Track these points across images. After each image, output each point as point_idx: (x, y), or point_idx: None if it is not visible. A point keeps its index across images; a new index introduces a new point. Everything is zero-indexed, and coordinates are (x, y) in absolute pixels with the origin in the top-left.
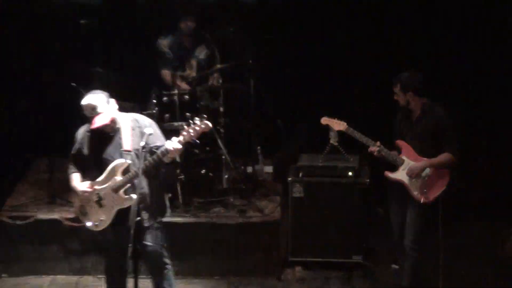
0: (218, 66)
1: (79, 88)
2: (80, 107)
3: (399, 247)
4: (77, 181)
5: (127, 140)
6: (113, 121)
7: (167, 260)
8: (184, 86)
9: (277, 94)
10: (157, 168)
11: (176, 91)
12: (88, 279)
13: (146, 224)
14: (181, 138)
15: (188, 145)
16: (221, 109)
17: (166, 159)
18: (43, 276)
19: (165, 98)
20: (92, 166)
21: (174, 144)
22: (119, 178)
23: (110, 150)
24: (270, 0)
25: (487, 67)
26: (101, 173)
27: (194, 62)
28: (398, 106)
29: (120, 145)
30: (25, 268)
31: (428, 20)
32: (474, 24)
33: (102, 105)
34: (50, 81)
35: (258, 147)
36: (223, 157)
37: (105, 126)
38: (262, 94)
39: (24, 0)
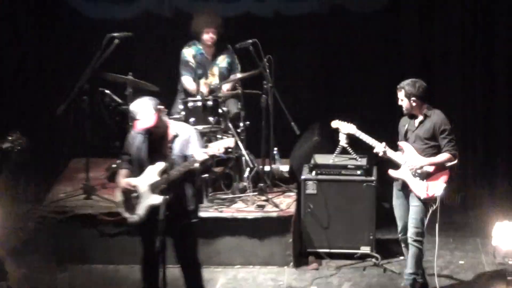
0: (239, 75)
1: (111, 94)
2: (112, 111)
3: (403, 239)
4: (123, 177)
5: (170, 146)
6: (157, 127)
7: (197, 257)
8: (207, 92)
9: (292, 100)
10: (190, 173)
11: (200, 97)
12: (120, 268)
13: (179, 223)
14: (207, 150)
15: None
16: (242, 113)
17: (198, 168)
18: (80, 265)
19: (190, 104)
20: (136, 165)
21: (202, 156)
22: (157, 178)
23: (154, 151)
24: (284, 15)
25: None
26: (142, 172)
27: (216, 70)
28: (401, 110)
29: (163, 149)
30: (64, 258)
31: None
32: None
33: (149, 110)
34: (85, 88)
35: (275, 148)
36: (244, 157)
37: (147, 129)
38: (278, 100)
39: (67, 16)
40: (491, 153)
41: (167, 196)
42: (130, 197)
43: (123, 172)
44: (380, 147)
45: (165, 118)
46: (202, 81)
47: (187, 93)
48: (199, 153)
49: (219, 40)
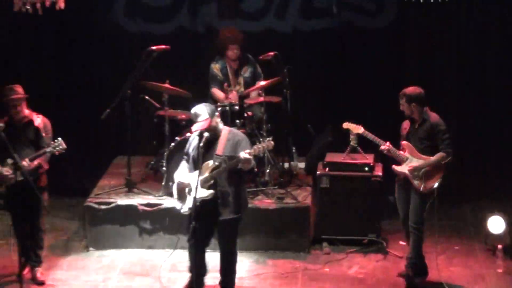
0: (262, 82)
1: (150, 100)
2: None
3: (404, 227)
4: (179, 173)
5: (221, 147)
6: (211, 130)
7: (235, 247)
8: (234, 99)
9: (308, 106)
10: (237, 172)
11: (227, 103)
12: (157, 252)
13: (225, 217)
14: (250, 151)
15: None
16: (264, 117)
17: (243, 167)
18: (121, 249)
19: (219, 109)
20: (192, 163)
21: (245, 155)
22: (206, 175)
23: (208, 151)
24: (301, 31)
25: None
26: (196, 169)
27: (241, 80)
28: (403, 114)
29: (214, 150)
30: (107, 243)
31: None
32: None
33: (204, 115)
34: (128, 95)
35: (293, 147)
36: (266, 155)
37: (202, 131)
38: (296, 105)
39: (112, 31)
40: (484, 151)
41: (213, 191)
42: (184, 191)
43: (182, 168)
44: (385, 146)
45: (219, 123)
46: (229, 88)
47: (216, 102)
48: (242, 154)
49: (242, 53)
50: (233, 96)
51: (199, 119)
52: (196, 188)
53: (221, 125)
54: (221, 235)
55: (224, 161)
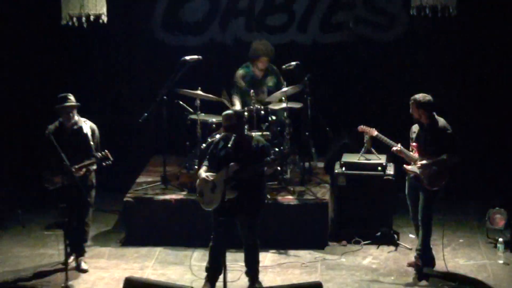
0: (284, 88)
1: (184, 105)
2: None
3: (414, 222)
4: (203, 171)
5: (245, 150)
6: (239, 134)
7: (257, 240)
8: (259, 105)
9: (326, 110)
10: (258, 174)
11: (254, 108)
12: (189, 243)
13: (246, 213)
14: (274, 157)
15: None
16: (287, 121)
17: (268, 172)
18: (157, 240)
19: (246, 114)
20: (216, 165)
21: (269, 159)
22: (231, 175)
23: (233, 153)
24: (321, 43)
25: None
26: (220, 169)
27: (264, 88)
28: (413, 118)
29: (240, 152)
30: (144, 234)
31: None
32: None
33: (233, 118)
34: (164, 100)
35: (313, 148)
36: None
37: (229, 134)
38: (315, 110)
39: (152, 44)
40: (486, 150)
41: (237, 192)
42: (207, 188)
43: (204, 168)
44: (396, 147)
45: (245, 128)
46: (254, 96)
47: (244, 106)
48: (267, 159)
49: (268, 63)
50: (258, 104)
51: (232, 121)
52: (225, 187)
53: (246, 129)
54: (245, 229)
55: (249, 164)
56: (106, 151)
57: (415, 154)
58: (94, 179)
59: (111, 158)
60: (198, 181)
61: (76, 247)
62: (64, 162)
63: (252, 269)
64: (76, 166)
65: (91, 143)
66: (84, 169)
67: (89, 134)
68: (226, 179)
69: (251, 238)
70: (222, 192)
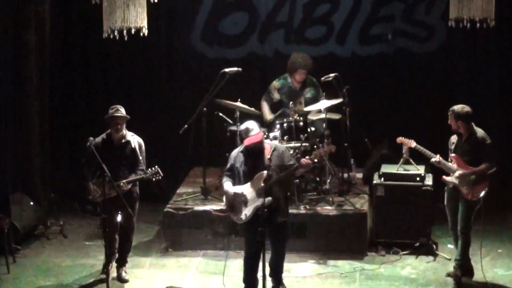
0: (323, 100)
1: (223, 117)
2: (224, 130)
3: (453, 232)
4: (229, 186)
5: (267, 158)
6: (261, 142)
7: (285, 248)
8: (297, 116)
9: (365, 122)
10: (289, 179)
11: (293, 119)
12: (229, 253)
13: (278, 221)
14: (311, 157)
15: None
16: (326, 132)
17: (297, 173)
18: (197, 251)
19: (285, 125)
20: (239, 177)
21: (306, 161)
22: (261, 184)
23: (256, 164)
24: (359, 55)
25: None
26: (246, 181)
27: (302, 99)
28: (451, 128)
29: (263, 161)
30: (184, 245)
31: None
32: None
33: (255, 129)
34: (204, 112)
35: (352, 159)
36: (327, 166)
37: (256, 144)
38: (354, 121)
39: (193, 56)
40: None
41: (271, 198)
42: (239, 202)
43: (227, 184)
44: (435, 158)
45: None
46: (293, 107)
47: (284, 116)
48: (304, 160)
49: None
50: (295, 115)
51: (251, 133)
52: (264, 200)
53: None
54: (275, 237)
55: (275, 171)
56: (156, 166)
57: (454, 165)
58: (138, 191)
59: (162, 174)
60: (227, 196)
61: (118, 259)
62: (106, 174)
63: (279, 275)
64: (124, 181)
65: (139, 157)
66: (130, 184)
67: (137, 148)
68: (258, 189)
69: (282, 246)
70: (256, 203)
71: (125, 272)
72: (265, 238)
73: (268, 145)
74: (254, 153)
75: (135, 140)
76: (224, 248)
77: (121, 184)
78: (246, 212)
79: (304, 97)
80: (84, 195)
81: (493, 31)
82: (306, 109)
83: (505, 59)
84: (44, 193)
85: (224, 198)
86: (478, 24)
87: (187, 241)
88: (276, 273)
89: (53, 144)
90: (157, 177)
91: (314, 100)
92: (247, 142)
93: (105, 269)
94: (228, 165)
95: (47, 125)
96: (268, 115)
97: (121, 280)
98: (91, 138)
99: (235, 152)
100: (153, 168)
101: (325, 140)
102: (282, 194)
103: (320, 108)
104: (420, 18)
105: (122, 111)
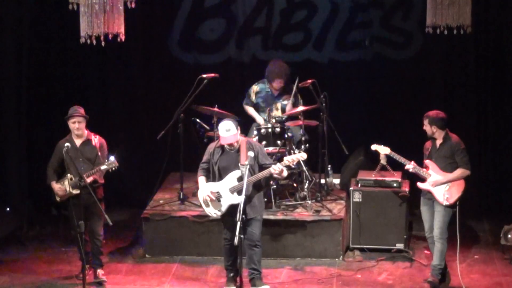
0: (301, 108)
1: (201, 123)
2: (201, 135)
3: (429, 238)
4: (203, 182)
5: (244, 157)
6: (237, 142)
7: (259, 242)
8: (273, 121)
9: (342, 128)
10: (266, 180)
11: (270, 125)
12: (206, 259)
13: (249, 217)
14: (283, 162)
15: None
16: (303, 138)
17: (277, 177)
18: (174, 256)
19: (262, 130)
20: (216, 173)
21: (277, 166)
22: (236, 183)
23: (230, 161)
24: (336, 61)
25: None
26: (221, 178)
27: (278, 105)
28: (426, 135)
29: (238, 159)
30: (161, 250)
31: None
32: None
33: (233, 129)
34: (181, 118)
35: (329, 165)
36: (304, 172)
37: (232, 143)
38: (332, 127)
39: (169, 62)
40: (504, 168)
41: (245, 196)
42: (213, 198)
43: (201, 179)
44: (409, 165)
45: (240, 135)
46: (271, 113)
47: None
48: (276, 166)
49: (287, 83)
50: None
51: (229, 133)
52: (240, 209)
53: (239, 137)
54: (253, 231)
55: (250, 171)
56: (112, 157)
57: (428, 172)
58: (102, 192)
59: (117, 164)
60: (201, 192)
61: (92, 260)
62: (78, 177)
63: (256, 267)
64: (84, 175)
65: (99, 153)
66: (91, 178)
67: (98, 146)
68: (232, 187)
69: (255, 238)
70: (230, 200)
71: (102, 274)
72: (233, 232)
73: (244, 143)
74: (229, 149)
75: (96, 139)
76: (202, 253)
77: (82, 178)
78: (221, 208)
79: (281, 104)
80: (52, 198)
81: (470, 38)
82: (284, 115)
83: (481, 66)
84: (20, 198)
85: (198, 193)
86: (455, 31)
87: (164, 246)
88: (254, 270)
89: (29, 150)
90: (113, 167)
91: (293, 106)
92: (223, 141)
93: (82, 273)
94: (205, 158)
95: (24, 130)
96: (261, 118)
97: (98, 280)
98: (68, 144)
99: (212, 146)
100: (109, 160)
101: (302, 146)
102: (256, 192)
103: (296, 112)
104: (397, 25)
105: (80, 111)
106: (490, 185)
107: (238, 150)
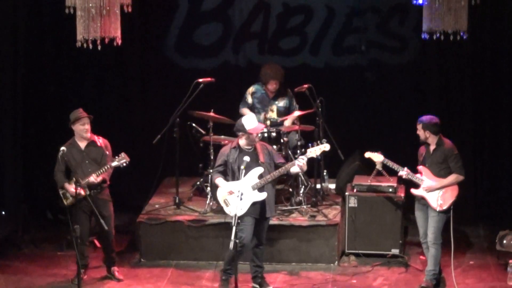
0: (297, 113)
1: (196, 127)
2: (197, 140)
3: (424, 243)
4: (223, 182)
5: (261, 156)
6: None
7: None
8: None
9: (338, 132)
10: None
11: (266, 130)
12: (201, 264)
13: (267, 215)
14: (306, 155)
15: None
16: (299, 143)
17: (298, 171)
18: (170, 261)
19: (259, 135)
20: (236, 171)
21: (300, 160)
22: (257, 180)
23: (249, 160)
24: (332, 66)
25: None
26: (240, 177)
27: (274, 107)
28: (420, 140)
29: (257, 158)
30: (157, 255)
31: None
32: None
33: (256, 121)
34: (177, 122)
35: (325, 170)
36: (300, 177)
37: (239, 145)
38: (327, 132)
39: (165, 66)
40: (499, 173)
41: (265, 193)
42: (234, 197)
43: (220, 179)
44: (403, 171)
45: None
46: (265, 115)
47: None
48: (299, 159)
49: (280, 86)
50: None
51: (255, 125)
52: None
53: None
54: (264, 229)
55: (268, 167)
56: (122, 153)
57: (422, 177)
58: (108, 193)
59: (128, 158)
60: (221, 191)
61: (106, 259)
62: (78, 180)
63: (261, 265)
64: (94, 174)
65: (106, 152)
66: (102, 177)
67: (103, 146)
68: (253, 185)
69: (264, 237)
70: (251, 198)
71: (117, 271)
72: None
73: (258, 143)
74: (247, 149)
75: (100, 140)
76: (197, 258)
77: (91, 178)
78: (242, 207)
79: (277, 106)
80: (58, 203)
81: (466, 43)
82: (281, 119)
83: (477, 71)
84: (15, 202)
85: (217, 193)
86: (451, 37)
87: (159, 251)
88: (261, 268)
89: (25, 154)
90: (124, 163)
91: (287, 110)
92: (253, 131)
93: (77, 277)
94: (220, 161)
95: (19, 134)
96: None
97: (115, 279)
98: (63, 148)
99: (227, 148)
100: (119, 155)
101: (298, 151)
102: (273, 191)
103: (293, 117)
104: (393, 30)
105: (84, 113)
106: (485, 191)
107: (255, 149)
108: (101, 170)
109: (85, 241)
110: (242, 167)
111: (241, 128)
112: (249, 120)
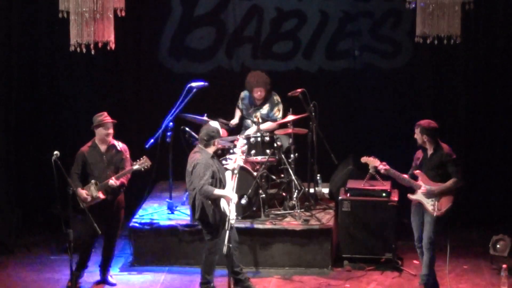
0: (292, 117)
1: (190, 131)
2: (190, 144)
3: (418, 247)
4: (222, 191)
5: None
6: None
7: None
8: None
9: (332, 137)
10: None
11: (259, 134)
12: (194, 269)
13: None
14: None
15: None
16: (292, 147)
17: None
18: (162, 266)
19: (252, 139)
20: (223, 179)
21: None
22: (232, 183)
23: (221, 166)
24: (326, 70)
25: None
26: (225, 184)
27: (258, 114)
28: (417, 144)
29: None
30: (150, 259)
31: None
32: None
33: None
34: (170, 126)
35: (318, 175)
36: (293, 181)
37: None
38: (321, 136)
39: (158, 70)
40: (493, 178)
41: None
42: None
43: (218, 189)
44: (403, 176)
45: None
46: (251, 119)
47: (245, 129)
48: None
49: (267, 93)
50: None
51: (221, 135)
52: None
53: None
54: (235, 231)
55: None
56: (144, 156)
57: (419, 182)
58: (123, 198)
59: (150, 162)
60: (226, 199)
61: (104, 264)
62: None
63: (242, 267)
64: (114, 177)
65: (126, 156)
66: (120, 181)
67: (123, 150)
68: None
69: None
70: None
71: (111, 276)
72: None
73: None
74: (219, 155)
75: (120, 144)
76: (190, 263)
77: (110, 181)
78: (234, 212)
79: (261, 113)
80: (77, 206)
81: (459, 48)
82: (262, 126)
83: (471, 75)
84: (9, 206)
85: (222, 203)
86: (444, 41)
87: (152, 256)
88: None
89: (18, 158)
90: (146, 166)
91: (266, 117)
92: (220, 144)
93: (72, 281)
94: (209, 172)
95: (13, 139)
96: (234, 119)
97: (109, 283)
98: (56, 153)
99: (205, 159)
100: (141, 158)
101: (291, 155)
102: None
103: (275, 127)
104: (387, 34)
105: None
106: (479, 195)
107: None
108: (122, 173)
109: (90, 246)
110: (236, 171)
111: (217, 135)
112: (219, 129)
